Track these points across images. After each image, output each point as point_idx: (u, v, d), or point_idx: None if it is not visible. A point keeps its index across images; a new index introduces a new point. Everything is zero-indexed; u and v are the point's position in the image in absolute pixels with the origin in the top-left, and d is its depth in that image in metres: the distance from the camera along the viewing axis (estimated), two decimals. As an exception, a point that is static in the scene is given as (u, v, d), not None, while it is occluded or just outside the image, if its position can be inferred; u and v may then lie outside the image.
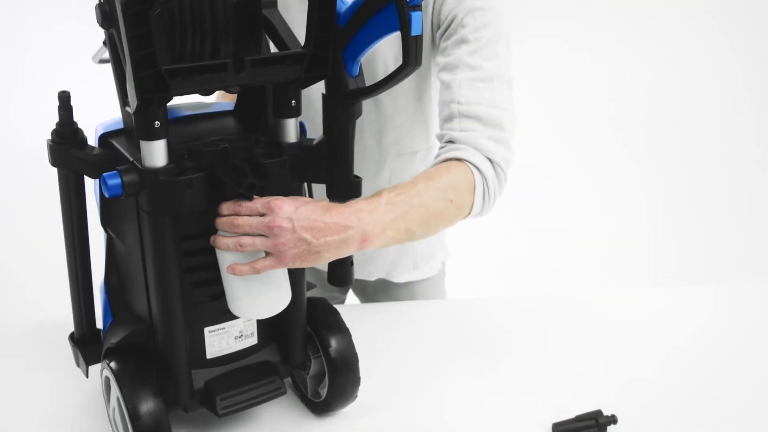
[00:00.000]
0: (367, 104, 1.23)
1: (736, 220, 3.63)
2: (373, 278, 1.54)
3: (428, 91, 1.30)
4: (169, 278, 0.94)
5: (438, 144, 1.19)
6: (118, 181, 0.87)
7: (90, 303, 1.06)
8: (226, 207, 0.93)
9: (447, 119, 1.14)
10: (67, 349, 1.13)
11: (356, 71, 0.94)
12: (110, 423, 1.06)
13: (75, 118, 0.94)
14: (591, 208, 3.66)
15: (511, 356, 1.29)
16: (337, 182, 1.00)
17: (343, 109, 0.96)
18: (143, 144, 0.86)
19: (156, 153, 0.87)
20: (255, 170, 0.91)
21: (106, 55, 0.92)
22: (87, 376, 1.10)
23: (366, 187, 1.21)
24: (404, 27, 0.86)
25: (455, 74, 1.13)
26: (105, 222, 1.02)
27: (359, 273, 1.52)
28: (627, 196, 3.79)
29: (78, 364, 1.10)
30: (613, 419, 1.14)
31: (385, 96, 1.22)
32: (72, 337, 1.10)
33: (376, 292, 1.59)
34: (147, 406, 0.94)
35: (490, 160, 1.10)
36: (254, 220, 0.91)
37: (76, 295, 1.04)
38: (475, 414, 1.17)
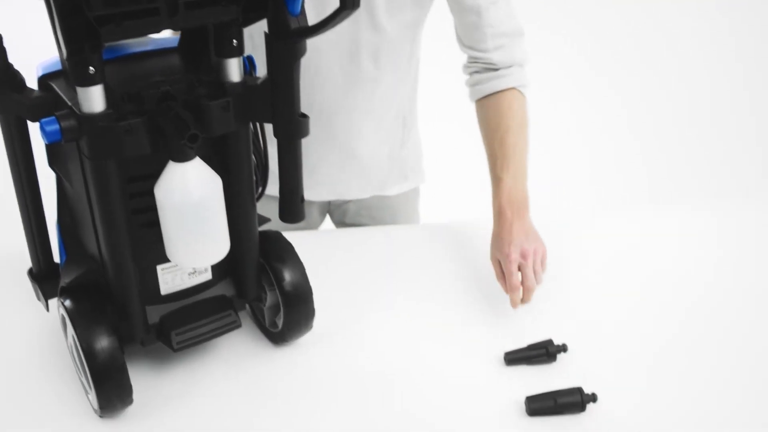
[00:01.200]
0: (365, 27, 1.26)
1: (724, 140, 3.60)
2: (367, 195, 1.54)
3: (426, 15, 1.37)
4: (116, 220, 0.94)
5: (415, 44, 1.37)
6: (56, 127, 0.86)
7: (45, 240, 1.07)
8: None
9: (478, 41, 1.32)
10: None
11: (297, 10, 0.91)
12: (69, 353, 1.09)
13: (23, 56, 0.92)
14: (577, 133, 3.61)
15: (470, 285, 1.31)
16: (283, 121, 0.98)
17: (286, 48, 0.93)
18: (79, 90, 0.84)
19: (93, 98, 0.85)
20: (198, 119, 0.89)
21: None
22: (48, 310, 1.12)
23: (361, 109, 1.34)
24: (341, -33, 0.83)
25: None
26: (52, 163, 1.02)
27: (352, 193, 1.52)
28: (616, 123, 3.71)
29: (38, 298, 1.12)
30: (563, 348, 1.17)
31: (386, 19, 1.28)
32: (30, 272, 1.11)
33: (359, 214, 1.59)
34: (101, 344, 0.97)
35: (521, 65, 1.34)
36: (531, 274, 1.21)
37: (30, 233, 1.05)
38: (428, 342, 1.20)
